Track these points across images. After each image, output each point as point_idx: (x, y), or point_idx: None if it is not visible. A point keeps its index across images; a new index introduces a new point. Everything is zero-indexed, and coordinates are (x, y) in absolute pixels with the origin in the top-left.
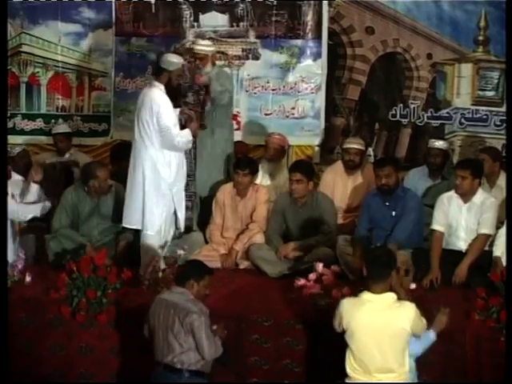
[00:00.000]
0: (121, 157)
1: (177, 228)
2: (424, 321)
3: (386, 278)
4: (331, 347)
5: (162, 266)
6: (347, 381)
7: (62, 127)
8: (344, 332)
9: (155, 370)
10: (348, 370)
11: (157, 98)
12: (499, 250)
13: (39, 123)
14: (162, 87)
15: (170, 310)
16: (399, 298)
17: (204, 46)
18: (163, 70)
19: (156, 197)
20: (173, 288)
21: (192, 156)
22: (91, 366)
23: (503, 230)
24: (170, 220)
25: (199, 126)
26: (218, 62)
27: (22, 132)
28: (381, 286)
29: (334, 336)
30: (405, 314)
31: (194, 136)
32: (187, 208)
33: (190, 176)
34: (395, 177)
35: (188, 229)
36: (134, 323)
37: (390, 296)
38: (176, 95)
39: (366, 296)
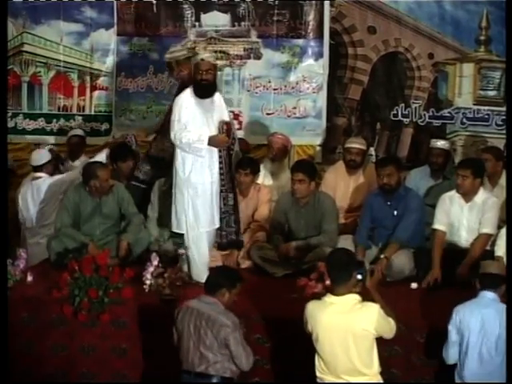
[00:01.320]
0: (119, 156)
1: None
2: (392, 321)
3: (347, 280)
4: None
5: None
6: (318, 381)
7: (78, 130)
8: (311, 335)
9: (183, 377)
10: (317, 372)
11: (179, 94)
12: (501, 249)
13: (41, 123)
14: (189, 88)
15: (202, 322)
16: (376, 302)
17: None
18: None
19: (178, 195)
20: (202, 297)
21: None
22: (93, 365)
23: (505, 230)
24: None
25: (221, 143)
26: (220, 62)
27: (24, 131)
28: (342, 288)
29: None
30: (367, 315)
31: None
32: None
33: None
34: (397, 176)
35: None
36: (137, 323)
37: (353, 297)
38: (207, 90)
39: (329, 298)
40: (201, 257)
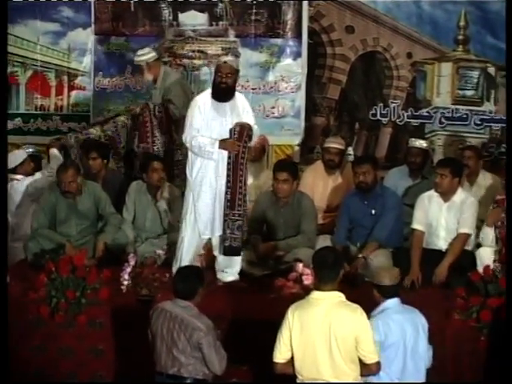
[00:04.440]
0: (86, 154)
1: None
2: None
3: (334, 279)
4: None
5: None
6: (298, 381)
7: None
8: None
9: (156, 378)
10: (296, 371)
11: (195, 97)
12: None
13: (18, 123)
14: (209, 89)
15: (175, 325)
16: None
17: (138, 57)
18: None
19: (186, 197)
20: (176, 300)
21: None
22: (72, 366)
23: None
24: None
25: (231, 148)
26: (198, 61)
27: None
28: (329, 286)
29: None
30: (351, 315)
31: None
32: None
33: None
34: (373, 174)
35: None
36: (114, 324)
37: (338, 294)
38: (224, 94)
39: (314, 295)
40: (185, 261)
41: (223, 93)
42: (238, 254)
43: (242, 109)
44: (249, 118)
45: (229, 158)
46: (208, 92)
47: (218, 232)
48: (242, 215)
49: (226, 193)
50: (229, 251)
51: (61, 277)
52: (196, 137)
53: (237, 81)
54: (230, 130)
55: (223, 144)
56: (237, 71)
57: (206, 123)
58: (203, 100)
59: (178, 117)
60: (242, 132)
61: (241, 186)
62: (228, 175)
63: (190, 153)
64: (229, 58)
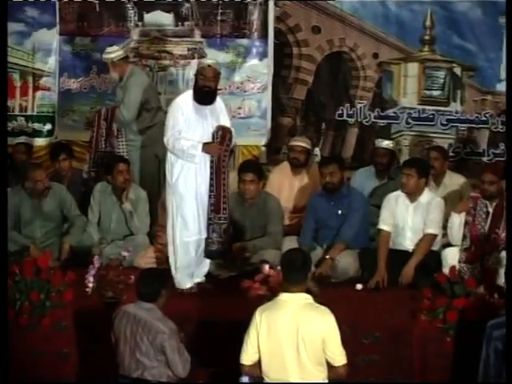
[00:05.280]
0: (56, 156)
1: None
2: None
3: (302, 281)
4: None
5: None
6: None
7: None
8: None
9: (120, 381)
10: (263, 373)
11: (175, 99)
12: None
13: None
14: (191, 91)
15: (138, 328)
16: None
17: (105, 54)
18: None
19: (167, 201)
20: (139, 302)
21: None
22: (37, 369)
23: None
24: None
25: (215, 151)
26: (164, 62)
27: None
28: (297, 288)
29: None
30: (320, 317)
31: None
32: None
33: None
34: (339, 175)
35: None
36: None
37: (305, 296)
38: (207, 97)
39: (282, 297)
40: (183, 263)
41: (206, 96)
42: (221, 258)
43: (220, 111)
44: (226, 121)
45: (211, 161)
46: (189, 94)
47: (203, 235)
48: (227, 218)
49: (210, 197)
50: (215, 255)
51: (25, 279)
52: (179, 139)
53: (218, 83)
54: (213, 134)
55: (206, 147)
56: (219, 74)
57: (188, 125)
58: (185, 102)
59: (126, 121)
60: (224, 135)
61: (224, 189)
62: (211, 179)
63: (169, 155)
64: (212, 61)
